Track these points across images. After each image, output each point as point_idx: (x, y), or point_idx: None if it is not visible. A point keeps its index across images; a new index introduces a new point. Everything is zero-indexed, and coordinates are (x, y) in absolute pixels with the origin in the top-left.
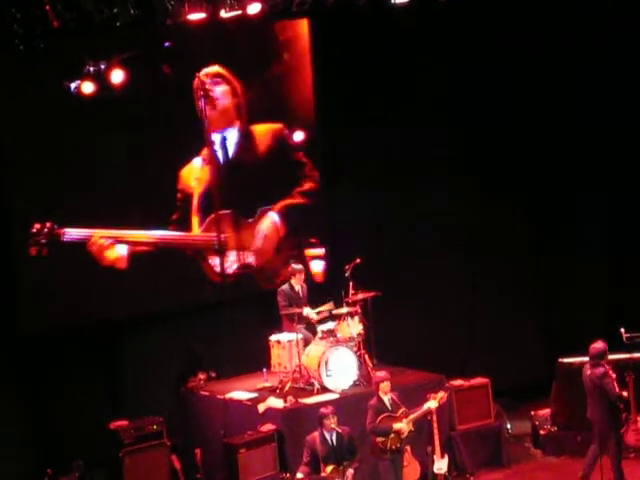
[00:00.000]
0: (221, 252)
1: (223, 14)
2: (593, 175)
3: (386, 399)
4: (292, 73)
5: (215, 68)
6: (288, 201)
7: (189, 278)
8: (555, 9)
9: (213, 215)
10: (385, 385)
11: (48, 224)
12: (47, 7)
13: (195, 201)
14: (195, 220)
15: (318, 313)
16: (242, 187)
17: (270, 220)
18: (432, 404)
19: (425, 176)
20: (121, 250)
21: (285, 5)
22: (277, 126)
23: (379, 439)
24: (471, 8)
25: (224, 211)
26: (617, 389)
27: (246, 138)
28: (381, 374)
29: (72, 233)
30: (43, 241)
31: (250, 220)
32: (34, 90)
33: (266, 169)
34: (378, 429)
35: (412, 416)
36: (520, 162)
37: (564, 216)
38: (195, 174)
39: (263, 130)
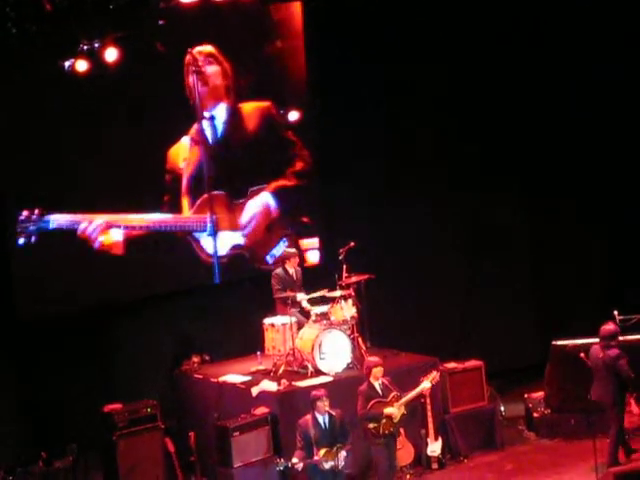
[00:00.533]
0: (213, 233)
1: None
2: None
3: (377, 384)
4: (285, 51)
5: (207, 48)
6: (281, 182)
7: (181, 261)
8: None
9: (204, 196)
10: (378, 370)
11: (36, 211)
12: None
13: (184, 183)
14: (185, 202)
15: (309, 300)
16: (232, 167)
17: (261, 200)
18: (425, 385)
19: (421, 159)
20: (116, 235)
21: None
22: (265, 104)
23: (371, 425)
24: None
25: (215, 192)
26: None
27: (235, 116)
28: (373, 359)
29: (60, 220)
30: (31, 228)
31: (241, 201)
32: (26, 70)
33: (255, 148)
34: (368, 415)
35: (404, 399)
36: (515, 141)
37: (563, 201)
38: (183, 154)
39: (251, 108)
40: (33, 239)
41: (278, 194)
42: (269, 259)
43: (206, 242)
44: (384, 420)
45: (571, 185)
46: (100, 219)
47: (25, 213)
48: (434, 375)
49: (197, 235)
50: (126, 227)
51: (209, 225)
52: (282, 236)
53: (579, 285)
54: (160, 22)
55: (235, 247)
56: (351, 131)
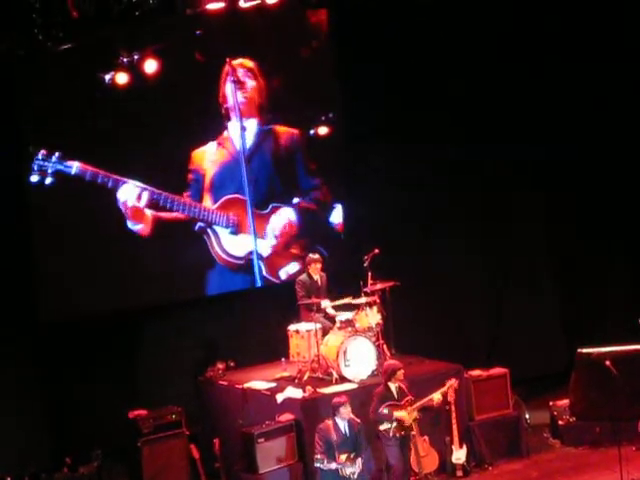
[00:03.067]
0: (235, 232)
1: (242, 4)
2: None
3: (393, 387)
4: (314, 59)
5: (249, 63)
6: (303, 204)
7: (203, 266)
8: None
9: (230, 196)
10: (401, 373)
11: (57, 153)
12: None
13: (207, 180)
14: (207, 198)
15: (335, 307)
16: (256, 178)
17: (285, 215)
18: (436, 396)
19: (445, 167)
20: (146, 210)
21: None
22: (295, 131)
23: (382, 427)
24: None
25: (239, 196)
26: None
27: (265, 134)
28: (394, 362)
29: (85, 168)
30: (50, 168)
31: (263, 212)
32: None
33: (280, 168)
34: (378, 418)
35: (416, 404)
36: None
37: (586, 209)
38: (210, 157)
39: (282, 131)
40: (49, 180)
41: (300, 213)
42: (282, 274)
43: (227, 240)
44: (395, 423)
45: (594, 191)
46: (135, 184)
47: (43, 152)
48: (450, 384)
49: (219, 232)
50: (156, 205)
51: (231, 223)
52: (295, 257)
53: (605, 293)
54: (198, 32)
55: (252, 253)
56: (378, 138)
